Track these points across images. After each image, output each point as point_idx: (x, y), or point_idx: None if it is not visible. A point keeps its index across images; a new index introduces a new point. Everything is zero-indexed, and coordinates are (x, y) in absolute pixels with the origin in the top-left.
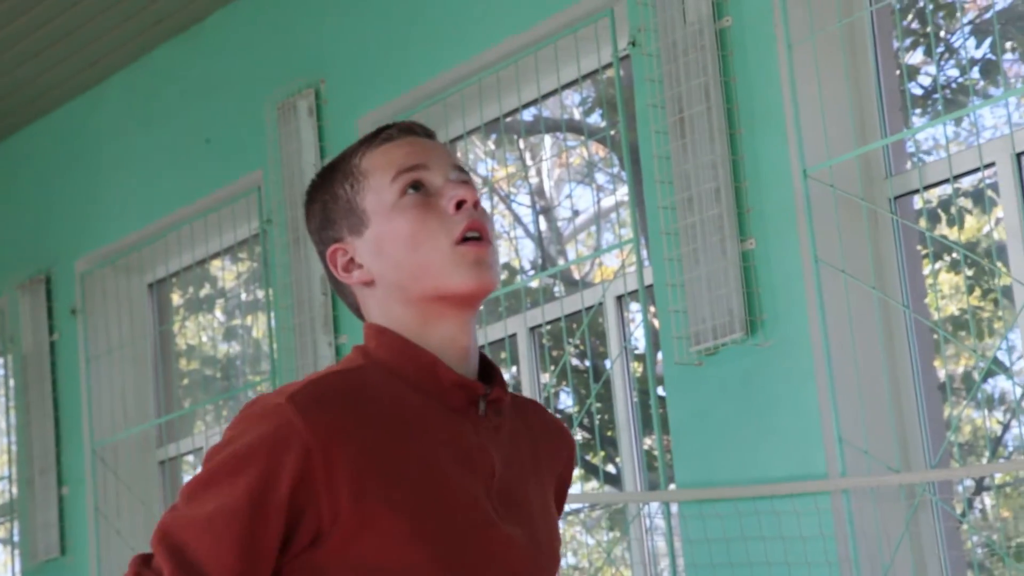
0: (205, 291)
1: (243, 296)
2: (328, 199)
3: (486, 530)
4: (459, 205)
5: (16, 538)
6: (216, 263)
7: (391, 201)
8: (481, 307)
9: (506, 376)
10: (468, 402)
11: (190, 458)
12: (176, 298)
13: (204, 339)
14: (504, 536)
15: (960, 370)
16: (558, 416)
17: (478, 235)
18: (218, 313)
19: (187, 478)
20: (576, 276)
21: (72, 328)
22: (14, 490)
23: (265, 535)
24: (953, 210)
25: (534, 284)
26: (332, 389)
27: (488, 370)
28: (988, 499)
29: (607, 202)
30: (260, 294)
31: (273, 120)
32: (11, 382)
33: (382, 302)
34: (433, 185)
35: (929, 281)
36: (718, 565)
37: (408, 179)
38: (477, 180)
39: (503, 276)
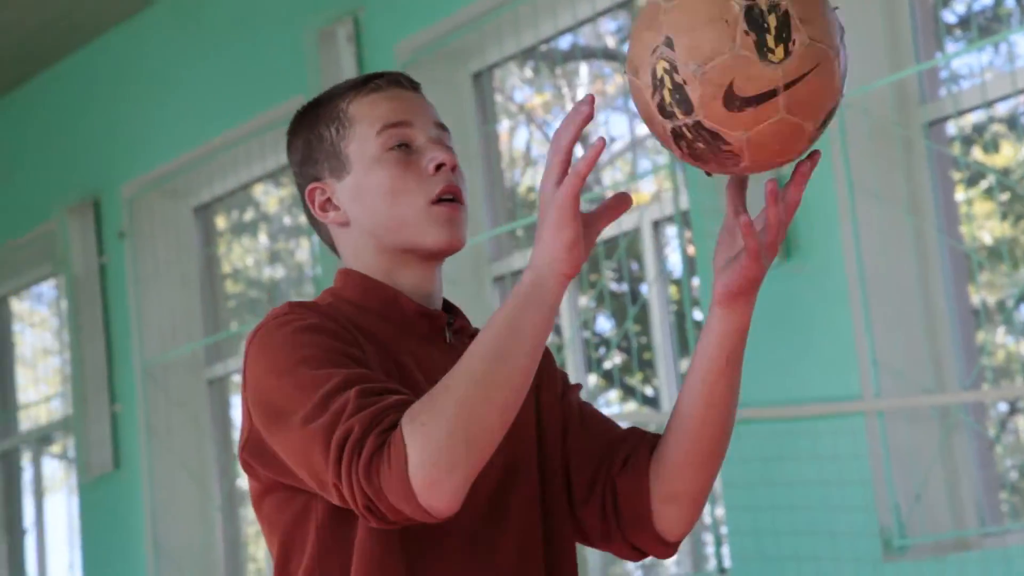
0: (249, 215)
1: (286, 220)
2: (312, 138)
3: None
4: (438, 167)
5: (71, 453)
6: (259, 187)
7: (374, 153)
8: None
9: None
10: (433, 330)
11: (236, 377)
12: (221, 222)
13: (249, 262)
14: None
15: (993, 298)
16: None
17: (452, 197)
18: (262, 237)
19: (234, 396)
20: None
21: (120, 251)
22: (69, 408)
23: (356, 351)
24: (987, 136)
25: None
26: (319, 305)
27: (450, 309)
28: (1021, 421)
29: (643, 129)
30: (303, 218)
31: (314, 47)
32: (63, 303)
33: (355, 244)
34: (415, 142)
35: (963, 209)
36: (754, 484)
37: (393, 135)
38: (513, 107)
39: None
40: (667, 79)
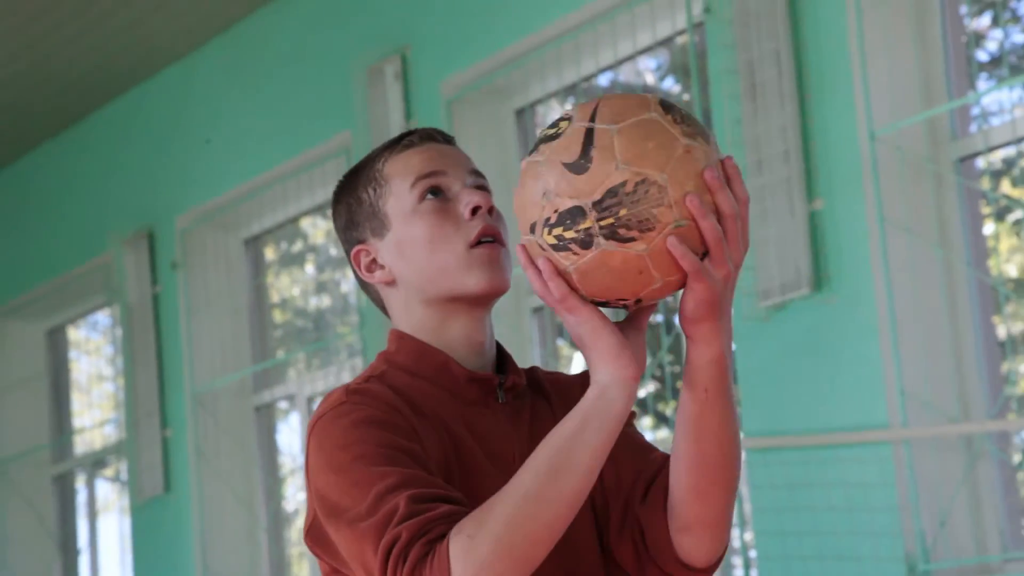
0: (297, 247)
1: (332, 252)
2: (352, 202)
3: None
4: (474, 211)
5: (124, 476)
6: (307, 220)
7: (410, 206)
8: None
9: None
10: (485, 393)
11: (283, 404)
12: (270, 253)
13: (296, 292)
14: None
15: (1019, 329)
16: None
17: (492, 239)
18: (309, 268)
19: (280, 423)
20: None
21: (173, 281)
22: (122, 432)
23: (417, 454)
24: (1016, 171)
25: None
26: (372, 390)
27: (503, 361)
28: None
29: None
30: None
31: (362, 84)
32: (117, 331)
33: (403, 301)
34: (451, 190)
35: (991, 243)
36: (783, 509)
37: (426, 184)
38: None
39: None
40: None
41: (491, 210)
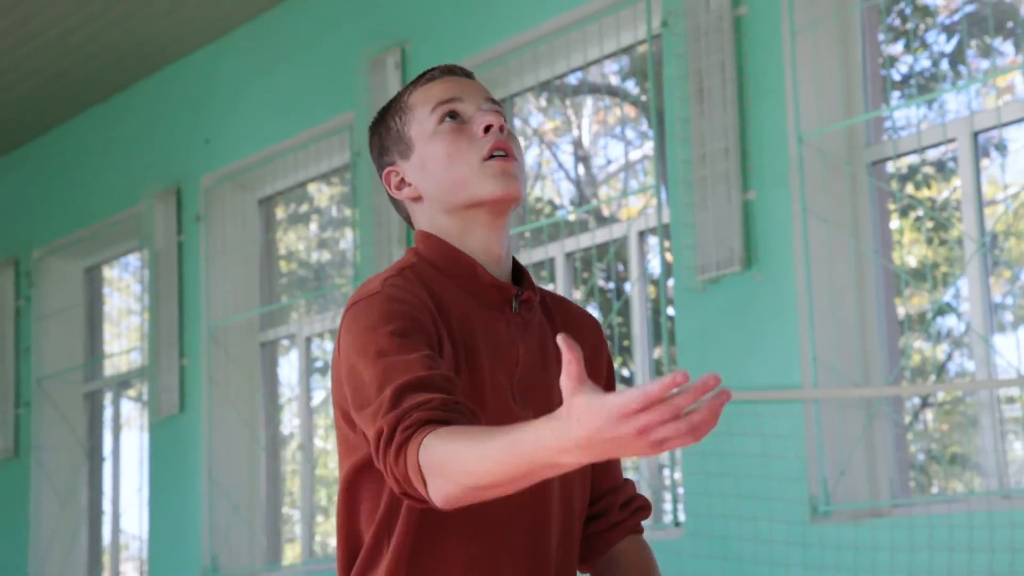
0: (304, 208)
1: (334, 213)
2: (383, 130)
3: (504, 413)
4: (487, 129)
5: (145, 397)
6: (313, 185)
7: (431, 128)
8: (512, 220)
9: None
10: (502, 300)
11: (285, 342)
12: (280, 212)
13: (301, 247)
14: (517, 418)
15: (916, 311)
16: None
17: (503, 152)
18: (313, 226)
19: (281, 358)
20: (606, 213)
21: (196, 231)
22: (145, 359)
23: (429, 340)
24: (920, 176)
25: (571, 218)
26: (405, 284)
27: (520, 273)
28: (931, 414)
29: (635, 154)
30: (348, 212)
31: (365, 72)
32: (145, 273)
33: (428, 214)
34: (466, 114)
35: (896, 236)
36: (708, 453)
37: (444, 109)
38: (528, 130)
39: (547, 211)
40: None
41: (503, 129)
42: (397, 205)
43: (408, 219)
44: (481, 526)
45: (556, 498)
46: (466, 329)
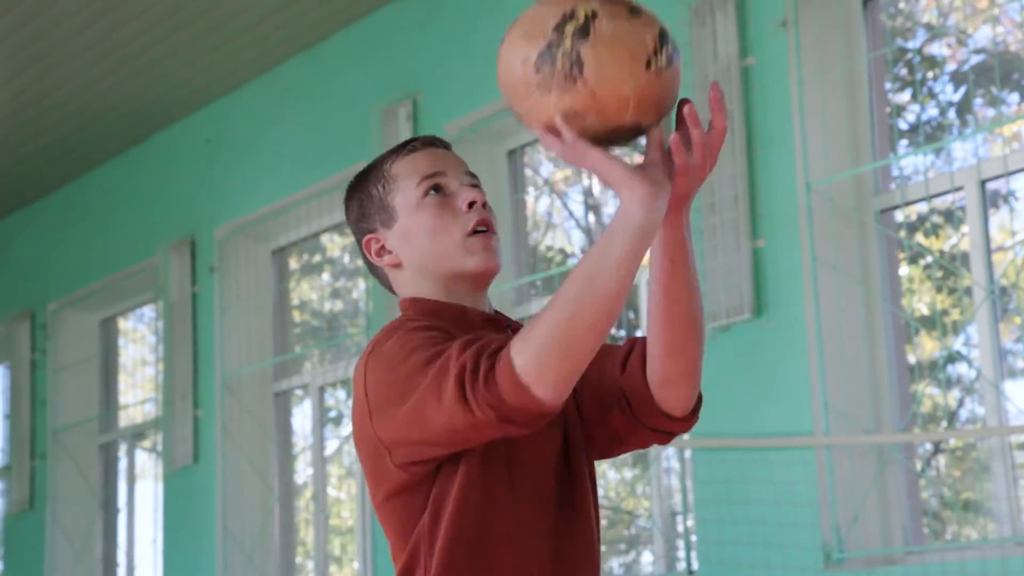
0: (316, 258)
1: (347, 262)
2: (364, 197)
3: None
4: (471, 205)
5: (159, 448)
6: (326, 235)
7: (415, 200)
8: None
9: None
10: (496, 331)
11: (298, 391)
12: (293, 262)
13: (314, 296)
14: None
15: (926, 358)
16: None
17: (485, 228)
18: (326, 276)
19: (295, 408)
20: None
21: (210, 282)
22: (159, 410)
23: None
24: (928, 224)
25: None
26: (416, 318)
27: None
28: (943, 460)
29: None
30: (360, 263)
31: (378, 123)
32: (160, 323)
33: (409, 279)
34: (450, 188)
35: (905, 284)
36: (721, 501)
37: (430, 183)
38: (539, 180)
39: (558, 259)
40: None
41: (484, 204)
42: (374, 270)
43: (386, 283)
44: (518, 531)
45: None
46: None
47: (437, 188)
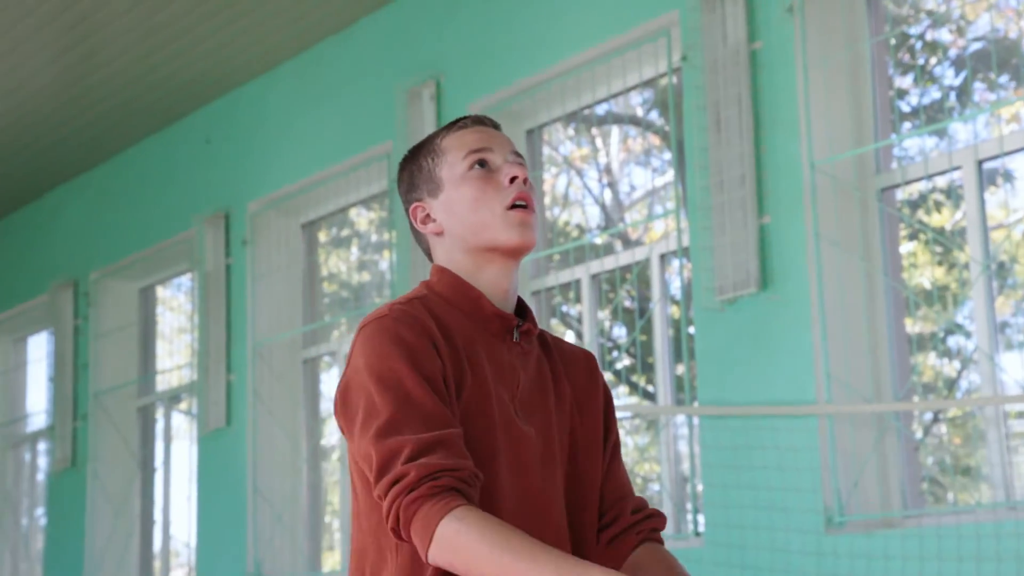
0: (345, 232)
1: (373, 237)
2: (414, 168)
3: (509, 426)
4: (512, 180)
5: (195, 411)
6: (354, 210)
7: (461, 173)
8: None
9: (573, 312)
10: (504, 330)
11: (327, 358)
12: (322, 236)
13: (342, 268)
14: (520, 431)
15: (925, 330)
16: (584, 346)
17: (524, 204)
18: (354, 249)
19: (323, 374)
20: (631, 237)
21: (243, 255)
22: (194, 375)
23: (437, 379)
24: (928, 202)
25: (598, 241)
26: (412, 312)
27: (523, 310)
28: (941, 428)
29: (658, 181)
30: (386, 236)
31: (403, 103)
32: (196, 293)
33: (448, 249)
34: (494, 163)
35: (905, 259)
36: (727, 466)
37: (475, 157)
38: (558, 158)
39: (575, 234)
40: None
41: (525, 181)
42: (419, 237)
43: (427, 251)
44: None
45: (559, 508)
46: (471, 350)
47: (482, 163)
